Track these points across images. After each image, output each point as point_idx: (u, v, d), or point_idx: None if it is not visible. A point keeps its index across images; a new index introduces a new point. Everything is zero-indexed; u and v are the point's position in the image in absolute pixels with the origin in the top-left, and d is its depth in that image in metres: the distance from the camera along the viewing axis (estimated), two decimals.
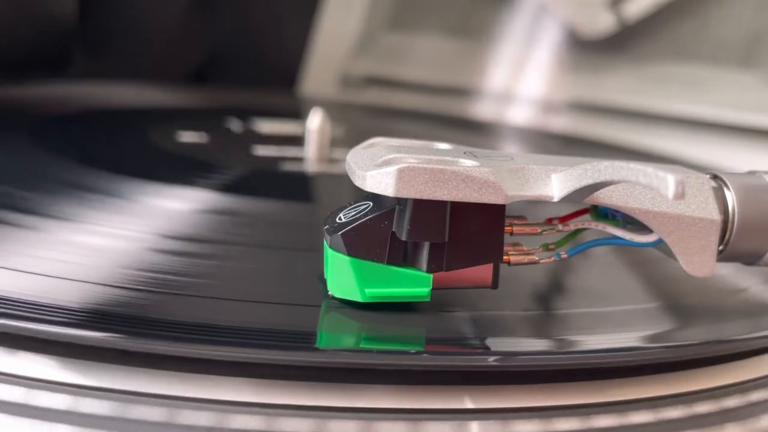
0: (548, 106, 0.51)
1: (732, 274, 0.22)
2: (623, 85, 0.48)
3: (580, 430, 0.15)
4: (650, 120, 0.47)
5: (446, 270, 0.17)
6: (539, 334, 0.18)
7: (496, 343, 0.17)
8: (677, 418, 0.16)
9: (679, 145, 0.43)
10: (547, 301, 0.20)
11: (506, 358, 0.16)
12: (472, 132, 0.47)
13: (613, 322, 0.19)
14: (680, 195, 0.14)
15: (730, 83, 0.45)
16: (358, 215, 0.17)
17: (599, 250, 0.22)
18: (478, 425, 0.15)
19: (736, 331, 0.19)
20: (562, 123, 0.50)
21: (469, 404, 0.15)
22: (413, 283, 0.17)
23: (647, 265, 0.23)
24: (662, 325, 0.19)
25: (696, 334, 0.19)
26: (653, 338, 0.18)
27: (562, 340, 0.18)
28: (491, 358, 0.16)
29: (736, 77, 0.45)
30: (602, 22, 0.49)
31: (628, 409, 0.16)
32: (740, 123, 0.44)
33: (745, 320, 0.20)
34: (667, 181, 0.14)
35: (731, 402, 0.17)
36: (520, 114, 0.52)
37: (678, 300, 0.21)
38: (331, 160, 0.32)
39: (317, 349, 0.16)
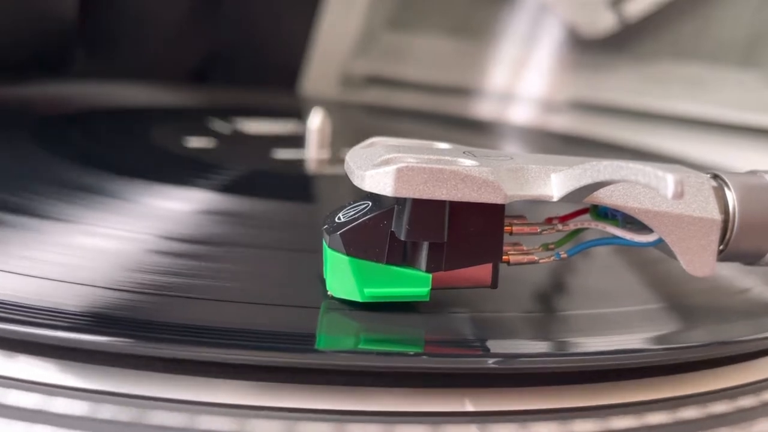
0: (549, 106, 0.51)
1: (735, 275, 0.22)
2: (624, 85, 0.48)
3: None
4: (651, 119, 0.46)
5: (445, 270, 0.17)
6: (540, 335, 0.18)
7: (496, 345, 0.17)
8: (663, 423, 0.16)
9: (680, 145, 0.43)
10: (548, 302, 0.20)
11: (506, 360, 0.16)
12: (473, 132, 0.47)
13: (614, 324, 0.18)
14: (679, 194, 0.14)
15: (731, 83, 0.45)
16: (357, 215, 0.17)
17: (600, 251, 0.22)
18: (476, 427, 0.15)
19: (739, 332, 0.19)
20: (563, 122, 0.50)
21: (469, 406, 0.15)
22: (412, 283, 0.17)
23: (648, 266, 0.23)
24: (664, 326, 0.19)
25: (698, 336, 0.19)
26: (655, 340, 0.18)
27: (562, 341, 0.18)
28: (491, 360, 0.16)
29: (737, 77, 0.45)
30: (603, 22, 0.49)
31: (612, 413, 0.16)
32: (741, 122, 0.44)
33: (749, 321, 0.20)
34: (666, 180, 0.14)
35: (744, 402, 0.17)
36: (520, 114, 0.51)
37: (680, 301, 0.21)
38: (332, 160, 0.32)
39: (317, 351, 0.16)
